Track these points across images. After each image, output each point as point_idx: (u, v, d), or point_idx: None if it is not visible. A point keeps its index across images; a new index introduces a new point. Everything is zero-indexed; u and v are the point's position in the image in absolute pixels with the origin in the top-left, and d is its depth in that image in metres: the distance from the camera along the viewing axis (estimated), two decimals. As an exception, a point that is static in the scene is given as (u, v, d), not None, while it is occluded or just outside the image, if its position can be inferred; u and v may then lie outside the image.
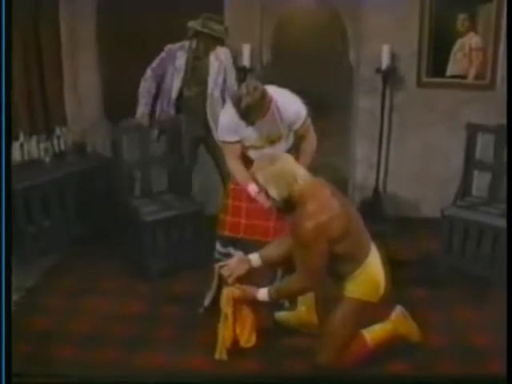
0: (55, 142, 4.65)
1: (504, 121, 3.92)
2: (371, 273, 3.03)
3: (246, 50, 4.64)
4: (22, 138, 4.43)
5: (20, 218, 4.16)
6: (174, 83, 4.36)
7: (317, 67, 5.09)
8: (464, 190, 4.22)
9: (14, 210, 4.02)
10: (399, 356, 3.18)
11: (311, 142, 3.45)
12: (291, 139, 3.44)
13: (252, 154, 3.42)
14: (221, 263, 3.29)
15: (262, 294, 3.06)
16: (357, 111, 4.99)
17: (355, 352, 3.10)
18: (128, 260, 4.21)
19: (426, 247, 4.39)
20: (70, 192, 4.48)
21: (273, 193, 2.89)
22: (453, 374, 3.11)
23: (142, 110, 4.43)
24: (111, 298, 3.84)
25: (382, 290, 3.07)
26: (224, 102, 4.07)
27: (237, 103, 3.10)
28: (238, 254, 3.31)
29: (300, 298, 3.42)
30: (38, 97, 4.67)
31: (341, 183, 3.36)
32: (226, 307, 3.12)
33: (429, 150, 4.88)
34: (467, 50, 4.63)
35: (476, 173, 4.22)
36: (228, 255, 3.46)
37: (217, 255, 3.61)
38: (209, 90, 4.31)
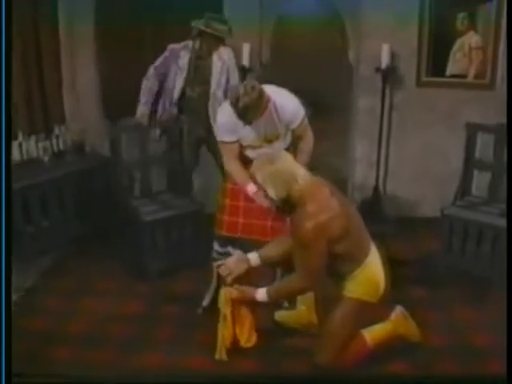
0: (54, 141, 4.64)
1: (504, 120, 3.91)
2: (371, 273, 3.03)
3: (246, 49, 4.63)
4: (20, 138, 4.42)
5: (18, 217, 4.15)
6: (177, 83, 4.35)
7: (316, 66, 5.09)
8: (464, 189, 4.22)
9: (12, 210, 4.00)
10: (399, 356, 3.17)
11: (308, 142, 3.44)
12: (289, 138, 3.44)
13: (250, 153, 3.41)
14: (219, 262, 3.29)
15: (261, 294, 3.05)
16: (356, 110, 4.98)
17: (355, 352, 3.10)
18: (127, 260, 4.21)
19: (426, 247, 4.38)
20: (69, 191, 4.47)
21: (271, 192, 2.88)
22: (453, 374, 3.11)
23: (142, 108, 4.42)
24: (110, 297, 3.83)
25: (381, 290, 3.06)
26: None
27: (234, 103, 3.09)
28: (236, 253, 3.30)
29: (299, 298, 3.41)
30: (37, 95, 4.66)
31: (340, 183, 3.36)
32: (225, 308, 3.11)
33: (428, 149, 4.88)
34: (467, 50, 4.62)
35: (476, 172, 4.21)
36: (226, 255, 3.45)
37: (215, 255, 3.60)
38: (211, 90, 4.30)
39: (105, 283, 4.02)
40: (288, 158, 2.97)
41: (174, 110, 4.43)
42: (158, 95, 4.48)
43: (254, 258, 3.20)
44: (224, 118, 3.32)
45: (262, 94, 3.12)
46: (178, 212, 4.12)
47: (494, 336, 3.27)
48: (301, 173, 2.90)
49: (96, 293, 3.89)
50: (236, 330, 3.18)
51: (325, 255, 2.88)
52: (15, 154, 4.39)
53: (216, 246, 3.57)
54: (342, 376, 3.08)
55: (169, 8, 4.79)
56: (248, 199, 3.39)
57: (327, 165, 5.09)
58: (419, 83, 4.77)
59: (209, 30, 4.16)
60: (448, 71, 4.71)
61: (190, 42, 4.34)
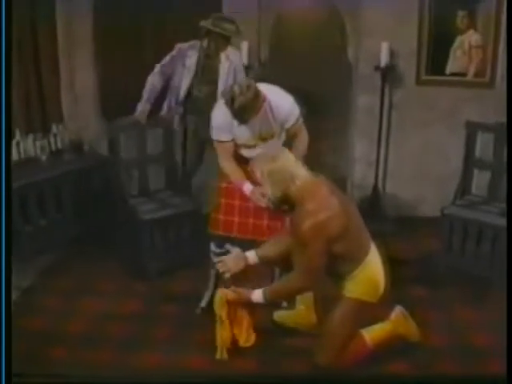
0: (52, 140, 4.63)
1: (504, 119, 3.90)
2: (370, 272, 3.01)
3: (244, 47, 4.63)
4: (18, 137, 4.40)
5: (16, 216, 4.13)
6: (183, 82, 4.34)
7: (315, 65, 5.06)
8: (464, 188, 4.21)
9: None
10: (399, 356, 3.17)
11: (303, 141, 3.43)
12: (283, 138, 3.42)
13: (244, 152, 3.40)
14: (217, 259, 3.29)
15: (257, 295, 3.03)
16: (355, 109, 4.97)
17: (354, 352, 3.09)
18: (125, 259, 4.20)
19: (426, 246, 4.37)
20: (67, 191, 4.46)
21: (268, 190, 2.91)
22: (453, 373, 3.10)
23: (143, 105, 4.40)
24: (109, 297, 3.82)
25: (381, 290, 3.05)
26: None
27: (230, 103, 3.08)
28: (234, 251, 3.30)
29: (299, 298, 3.40)
30: (35, 95, 4.66)
31: (339, 182, 3.35)
32: (220, 310, 3.10)
33: (428, 148, 4.86)
34: (467, 48, 4.61)
35: (476, 171, 4.19)
36: (223, 255, 3.43)
37: (212, 256, 3.58)
38: (219, 91, 4.28)
39: (103, 283, 4.01)
40: (290, 157, 2.96)
41: (180, 110, 4.43)
42: (163, 94, 4.46)
43: (252, 256, 3.19)
44: (219, 117, 3.30)
45: (257, 93, 3.11)
46: (176, 211, 4.11)
47: (494, 336, 3.26)
48: (300, 173, 2.89)
49: (94, 292, 3.88)
50: (234, 331, 3.16)
51: (324, 254, 2.86)
52: (13, 153, 4.37)
53: (213, 247, 3.55)
54: (341, 376, 3.07)
55: (168, 7, 4.77)
56: (243, 198, 3.38)
57: (326, 164, 5.07)
58: (419, 81, 4.76)
59: (217, 30, 4.15)
60: (448, 69, 4.70)
61: (197, 42, 4.33)
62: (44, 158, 4.53)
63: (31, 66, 4.58)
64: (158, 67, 4.38)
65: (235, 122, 3.22)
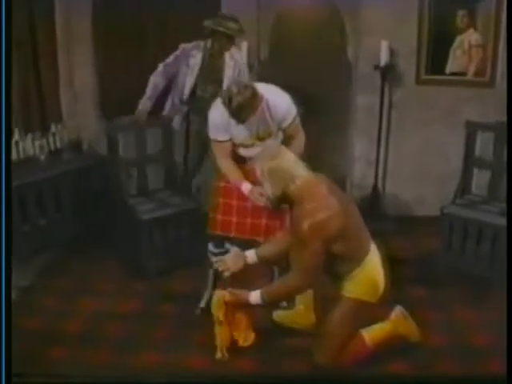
0: (51, 139, 4.61)
1: (504, 118, 3.90)
2: (370, 272, 3.01)
3: (244, 46, 4.61)
4: (17, 136, 4.38)
5: (15, 216, 4.12)
6: (187, 82, 4.33)
7: (315, 64, 5.05)
8: (463, 188, 4.20)
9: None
10: (399, 356, 3.16)
11: (300, 141, 3.41)
12: (280, 138, 3.41)
13: (242, 151, 3.39)
14: (217, 258, 3.29)
15: (254, 297, 3.02)
16: (355, 108, 4.96)
17: (354, 352, 3.08)
18: (124, 258, 4.19)
19: (426, 246, 4.36)
20: (66, 190, 4.45)
21: (267, 188, 2.90)
22: (453, 374, 3.10)
23: (144, 102, 4.39)
24: (108, 297, 3.82)
25: (381, 290, 3.04)
26: None
27: (227, 102, 3.07)
28: (233, 250, 3.28)
29: (298, 297, 3.39)
30: (34, 93, 4.65)
31: (339, 181, 3.34)
32: (218, 311, 3.09)
33: (428, 147, 4.86)
34: (467, 47, 4.60)
35: (476, 171, 4.19)
36: (221, 255, 3.42)
37: (210, 256, 3.57)
38: None
39: (102, 282, 4.00)
40: (290, 155, 2.94)
41: (184, 109, 4.41)
42: (166, 93, 4.45)
43: (251, 255, 3.19)
44: (216, 116, 3.29)
45: (255, 92, 3.10)
46: (175, 210, 4.10)
47: (494, 336, 3.26)
48: (301, 172, 2.88)
49: (93, 292, 3.88)
50: (233, 332, 3.16)
51: (322, 254, 2.86)
52: (12, 153, 4.35)
53: (211, 247, 3.55)
54: (341, 376, 3.06)
55: (167, 5, 4.76)
56: (241, 198, 3.37)
57: (326, 163, 5.04)
58: (418, 81, 4.75)
59: (221, 29, 4.14)
60: (448, 69, 4.69)
61: (201, 42, 4.32)
62: (43, 157, 4.52)
63: (30, 63, 4.57)
64: (161, 67, 4.37)
65: (233, 122, 3.20)
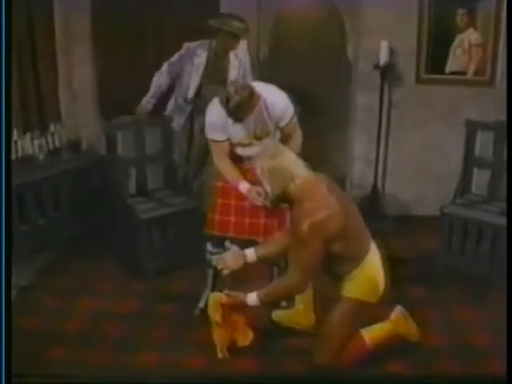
0: (49, 138, 4.59)
1: (504, 117, 3.89)
2: (370, 272, 3.00)
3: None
4: (15, 135, 4.37)
5: (14, 215, 4.11)
6: (192, 81, 4.32)
7: (315, 63, 5.04)
8: (463, 187, 4.20)
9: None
10: (399, 356, 3.15)
11: (297, 140, 3.40)
12: (277, 137, 3.40)
13: (240, 151, 3.38)
14: (217, 256, 3.29)
15: (252, 298, 3.00)
16: (355, 107, 4.95)
17: (353, 352, 3.08)
18: (123, 258, 4.18)
19: (425, 245, 4.36)
20: (65, 190, 4.44)
21: (267, 187, 2.90)
22: (453, 373, 3.09)
23: (147, 100, 4.38)
24: (107, 296, 3.81)
25: (380, 291, 3.03)
26: None
27: (225, 102, 3.06)
28: (233, 248, 3.27)
29: (298, 297, 3.38)
30: (33, 93, 4.63)
31: (339, 181, 3.34)
32: (215, 314, 3.08)
33: (428, 147, 4.85)
34: (467, 46, 4.60)
35: (475, 170, 4.19)
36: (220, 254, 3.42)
37: (208, 256, 3.56)
38: None
39: (101, 282, 3.99)
40: (290, 155, 2.93)
41: (188, 109, 4.40)
42: (169, 92, 4.43)
43: (251, 254, 3.19)
44: (214, 116, 3.28)
45: (252, 91, 3.09)
46: (174, 210, 4.09)
47: (494, 336, 3.26)
48: (301, 172, 2.87)
49: (92, 291, 3.87)
50: (231, 333, 3.15)
51: (320, 254, 2.85)
52: (10, 152, 4.35)
53: (209, 247, 3.54)
54: (340, 376, 3.06)
55: (166, 6, 4.75)
56: (239, 198, 3.36)
57: (325, 162, 5.04)
58: (418, 80, 4.74)
59: (226, 28, 4.12)
60: (447, 68, 4.68)
61: (206, 41, 4.31)
62: (42, 156, 4.50)
63: (29, 63, 4.55)
64: (165, 66, 4.36)
65: (230, 121, 3.19)
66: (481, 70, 4.64)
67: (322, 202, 2.84)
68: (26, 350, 3.13)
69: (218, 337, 3.13)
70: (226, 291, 3.11)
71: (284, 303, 3.51)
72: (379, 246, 3.11)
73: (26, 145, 4.45)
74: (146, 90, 4.43)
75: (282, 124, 3.31)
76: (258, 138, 3.32)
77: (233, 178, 3.35)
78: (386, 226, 4.58)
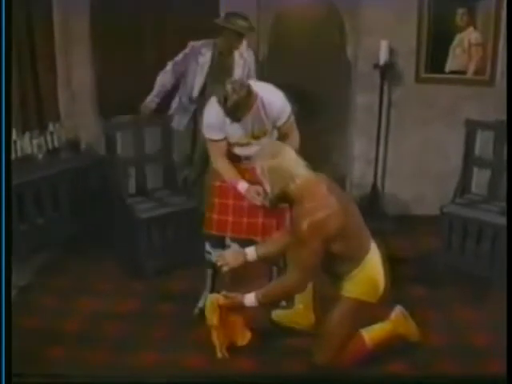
0: (48, 138, 4.59)
1: (503, 117, 3.89)
2: (370, 272, 2.99)
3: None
4: (15, 135, 4.36)
5: (13, 215, 4.10)
6: (197, 80, 4.31)
7: (314, 63, 5.04)
8: (463, 187, 4.20)
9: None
10: (399, 356, 3.15)
11: (294, 140, 3.39)
12: (275, 136, 3.40)
13: (237, 150, 3.38)
14: (218, 253, 3.28)
15: (249, 299, 2.99)
16: (354, 107, 4.95)
17: (353, 352, 3.07)
18: (123, 258, 4.18)
19: (425, 245, 4.35)
20: (64, 189, 4.44)
21: (267, 186, 2.90)
22: (452, 373, 3.09)
23: (151, 100, 4.38)
24: (106, 296, 3.80)
25: (380, 291, 3.03)
26: None
27: (223, 101, 3.05)
28: (233, 246, 3.26)
29: (297, 296, 3.37)
30: (32, 93, 4.63)
31: (339, 180, 3.33)
32: (212, 315, 3.07)
33: (427, 146, 4.84)
34: (466, 46, 4.59)
35: (475, 170, 4.18)
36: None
37: (206, 256, 3.56)
38: None
39: (100, 281, 3.99)
40: (291, 154, 2.92)
41: (192, 108, 4.39)
42: (173, 91, 4.42)
43: (251, 252, 3.19)
44: (211, 115, 3.27)
45: (250, 91, 3.08)
46: (174, 209, 4.08)
47: (494, 336, 3.25)
48: (300, 171, 2.86)
49: (92, 291, 3.86)
50: (229, 333, 3.14)
51: (320, 254, 2.84)
52: (8, 152, 4.35)
53: (207, 247, 3.53)
54: (340, 376, 3.05)
55: (166, 6, 4.74)
56: (237, 197, 3.35)
57: (325, 162, 5.04)
58: (418, 79, 4.73)
59: (230, 26, 4.11)
60: (447, 67, 4.68)
61: (211, 40, 4.30)
62: (41, 156, 4.50)
63: (28, 63, 4.55)
64: (169, 65, 4.35)
65: (228, 121, 3.19)
66: (481, 69, 4.63)
67: (321, 202, 2.83)
68: (25, 349, 3.12)
69: (217, 338, 3.12)
70: (224, 292, 3.11)
71: (284, 303, 3.50)
72: (379, 246, 3.10)
73: (25, 144, 4.44)
74: (146, 90, 4.43)
75: (280, 123, 3.30)
76: (256, 138, 3.31)
77: (231, 178, 3.34)
78: (386, 226, 4.57)
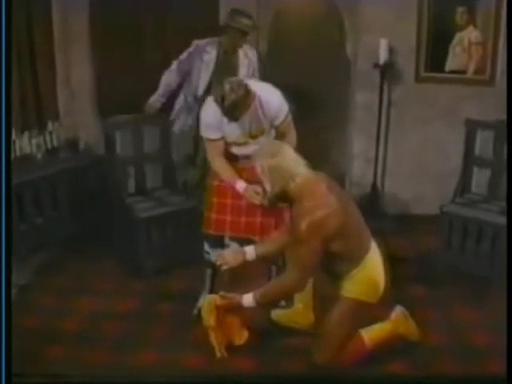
0: (47, 137, 4.58)
1: (504, 116, 3.88)
2: (370, 272, 2.98)
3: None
4: (13, 134, 4.35)
5: (12, 214, 4.10)
6: (202, 78, 4.28)
7: (314, 61, 5.03)
8: (463, 186, 4.20)
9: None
10: (399, 356, 3.14)
11: (292, 139, 3.38)
12: (272, 136, 3.39)
13: (235, 150, 3.37)
14: (218, 252, 3.28)
15: (247, 299, 2.98)
16: (354, 106, 4.94)
17: (353, 352, 3.07)
18: (122, 257, 4.17)
19: (425, 245, 4.35)
20: (63, 189, 4.43)
21: (267, 185, 2.90)
22: (452, 373, 3.08)
23: (155, 99, 4.36)
24: (105, 295, 3.80)
25: (381, 291, 3.02)
26: None
27: (220, 101, 3.04)
28: (233, 245, 3.26)
29: (297, 296, 3.36)
30: (31, 91, 4.62)
31: (338, 179, 3.32)
32: (209, 316, 3.06)
33: (427, 146, 4.84)
34: (466, 45, 4.58)
35: (475, 169, 4.18)
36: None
37: (205, 256, 3.55)
38: None
39: (100, 281, 3.98)
40: (290, 153, 2.92)
41: (196, 108, 4.37)
42: (178, 90, 4.41)
43: (250, 251, 3.18)
44: (209, 115, 3.26)
45: (247, 90, 3.07)
46: (173, 209, 4.07)
47: (494, 335, 3.25)
48: (300, 170, 2.86)
49: (91, 291, 3.86)
50: (226, 334, 3.13)
51: (319, 253, 2.84)
52: (7, 151, 4.33)
53: (206, 247, 3.53)
54: (340, 376, 3.05)
55: (164, 5, 4.73)
56: (235, 197, 3.35)
57: (324, 160, 5.03)
58: (418, 79, 4.72)
59: (233, 24, 4.09)
60: (447, 67, 4.66)
61: (216, 38, 4.29)
62: (40, 155, 4.49)
63: (27, 62, 4.54)
64: (174, 64, 4.32)
65: (225, 120, 3.18)
66: (481, 68, 4.62)
67: (321, 201, 2.83)
68: (24, 349, 3.12)
69: (214, 339, 3.11)
70: (222, 293, 3.10)
71: (283, 302, 3.50)
72: (378, 246, 3.10)
73: (23, 143, 4.43)
74: (145, 89, 4.42)
75: (277, 122, 3.30)
76: (253, 137, 3.30)
77: (228, 177, 3.34)
78: (386, 225, 4.56)
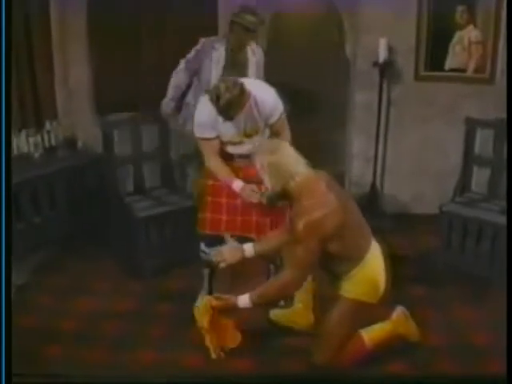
0: (45, 136, 4.56)
1: (503, 115, 3.88)
2: (370, 272, 2.97)
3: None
4: (11, 133, 4.34)
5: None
6: (213, 75, 4.17)
7: (313, 60, 5.03)
8: (463, 185, 4.19)
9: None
10: (399, 356, 3.14)
11: (286, 138, 3.37)
12: (267, 135, 3.38)
13: (230, 149, 3.36)
14: (215, 250, 3.27)
15: (243, 300, 2.96)
16: (353, 105, 4.93)
17: (352, 352, 3.06)
18: (120, 257, 4.16)
19: (425, 244, 4.34)
20: (61, 188, 4.41)
21: (267, 183, 2.89)
22: (452, 373, 3.08)
23: (166, 103, 4.28)
24: (103, 295, 3.80)
25: (381, 291, 3.01)
26: None
27: (215, 100, 3.02)
28: (231, 242, 3.26)
29: (297, 295, 3.36)
30: (29, 91, 4.61)
31: (337, 178, 3.31)
32: (203, 318, 3.03)
33: (427, 144, 4.83)
34: (466, 43, 4.57)
35: (475, 168, 4.17)
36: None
37: (202, 255, 3.54)
38: None
39: (98, 281, 3.97)
40: (290, 151, 2.90)
41: None
42: (187, 89, 4.35)
43: (249, 248, 3.17)
44: (203, 114, 3.25)
45: (243, 89, 3.06)
46: (172, 208, 4.06)
47: (494, 335, 3.25)
48: (300, 169, 2.84)
49: (89, 290, 3.85)
50: (220, 335, 3.11)
51: (316, 253, 2.83)
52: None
53: (202, 247, 3.51)
54: (339, 376, 3.04)
55: (163, 5, 4.72)
56: (231, 196, 3.34)
57: (323, 160, 5.02)
58: (417, 77, 4.72)
59: (238, 20, 4.04)
60: (447, 65, 4.66)
61: (222, 36, 4.25)
62: (37, 154, 4.47)
63: (25, 61, 4.53)
64: (182, 64, 4.22)
65: (220, 119, 3.16)
66: (481, 67, 4.61)
67: (320, 200, 2.81)
68: (22, 348, 3.10)
69: (210, 341, 3.09)
70: (217, 294, 3.09)
71: (282, 302, 3.48)
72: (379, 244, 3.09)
73: (21, 142, 4.42)
74: (143, 89, 4.40)
75: (272, 121, 3.29)
76: (248, 136, 3.30)
77: (224, 177, 3.33)
78: (385, 225, 4.55)
